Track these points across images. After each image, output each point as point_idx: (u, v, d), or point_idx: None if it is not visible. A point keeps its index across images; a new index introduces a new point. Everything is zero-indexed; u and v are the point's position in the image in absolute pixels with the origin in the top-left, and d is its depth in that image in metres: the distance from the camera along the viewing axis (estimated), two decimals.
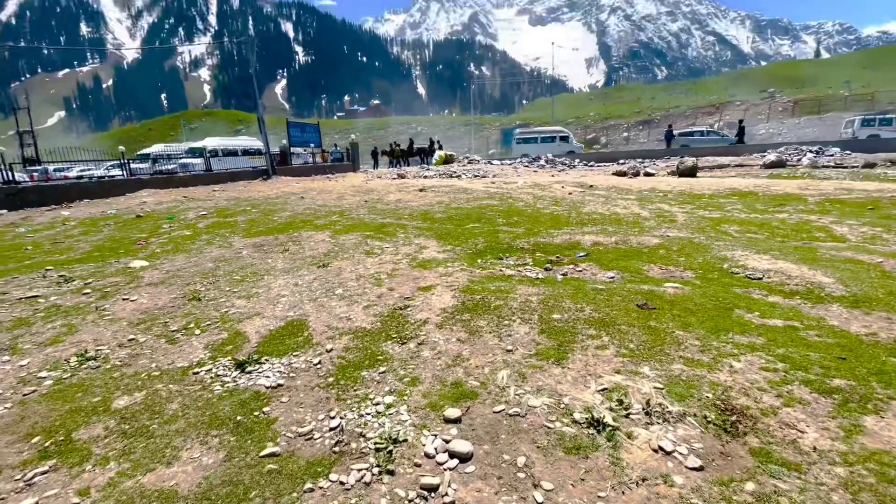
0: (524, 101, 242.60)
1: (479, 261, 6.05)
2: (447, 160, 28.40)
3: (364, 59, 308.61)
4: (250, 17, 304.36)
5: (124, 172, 19.57)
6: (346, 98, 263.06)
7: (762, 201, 10.38)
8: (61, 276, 6.29)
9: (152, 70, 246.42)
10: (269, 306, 4.69)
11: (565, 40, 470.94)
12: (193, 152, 24.68)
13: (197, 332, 4.13)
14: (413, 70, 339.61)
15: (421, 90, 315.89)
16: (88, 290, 5.47)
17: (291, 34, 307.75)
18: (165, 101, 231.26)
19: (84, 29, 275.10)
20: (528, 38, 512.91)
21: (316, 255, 6.69)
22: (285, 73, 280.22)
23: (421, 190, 13.72)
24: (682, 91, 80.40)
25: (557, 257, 6.11)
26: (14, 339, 4.13)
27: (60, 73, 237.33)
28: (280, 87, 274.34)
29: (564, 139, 33.29)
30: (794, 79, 68.49)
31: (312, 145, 27.45)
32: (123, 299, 5.10)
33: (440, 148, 31.33)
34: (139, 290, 5.39)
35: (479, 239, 7.21)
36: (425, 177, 19.84)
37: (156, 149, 27.88)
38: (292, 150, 25.96)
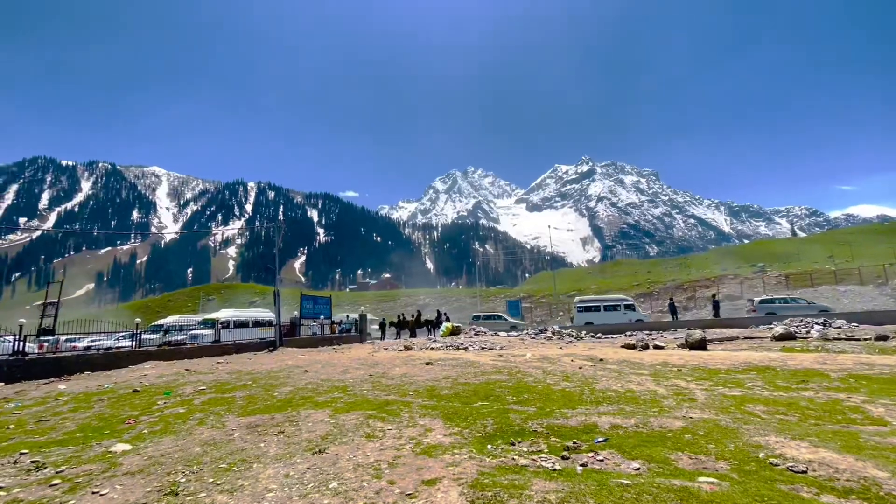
0: (526, 275, 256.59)
1: (488, 447, 5.55)
2: (454, 331, 28.61)
3: (378, 238, 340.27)
4: (282, 206, 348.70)
5: (133, 343, 19.74)
6: (360, 272, 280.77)
7: (782, 377, 9.96)
8: (34, 461, 5.79)
9: (185, 248, 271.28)
10: (254, 503, 4.15)
11: (560, 223, 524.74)
12: (206, 323, 25.27)
13: None
14: (423, 248, 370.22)
15: (430, 265, 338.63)
16: (57, 481, 4.95)
17: (315, 219, 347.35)
18: (191, 275, 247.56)
19: (135, 215, 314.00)
20: (526, 221, 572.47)
21: (313, 437, 6.21)
22: (305, 251, 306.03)
23: (427, 363, 13.48)
24: (674, 266, 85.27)
25: (575, 443, 5.61)
26: None
27: (101, 251, 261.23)
28: (299, 262, 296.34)
29: (630, 308, 31.99)
30: (777, 255, 73.08)
31: (322, 317, 28.16)
32: (93, 493, 4.57)
33: (447, 319, 31.91)
34: (113, 482, 4.87)
35: (488, 420, 6.76)
36: (432, 348, 19.70)
37: (170, 320, 28.64)
38: (303, 321, 26.55)
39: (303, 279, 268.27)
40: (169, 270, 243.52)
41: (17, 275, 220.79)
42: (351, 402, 8.44)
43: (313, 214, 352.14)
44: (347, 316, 33.61)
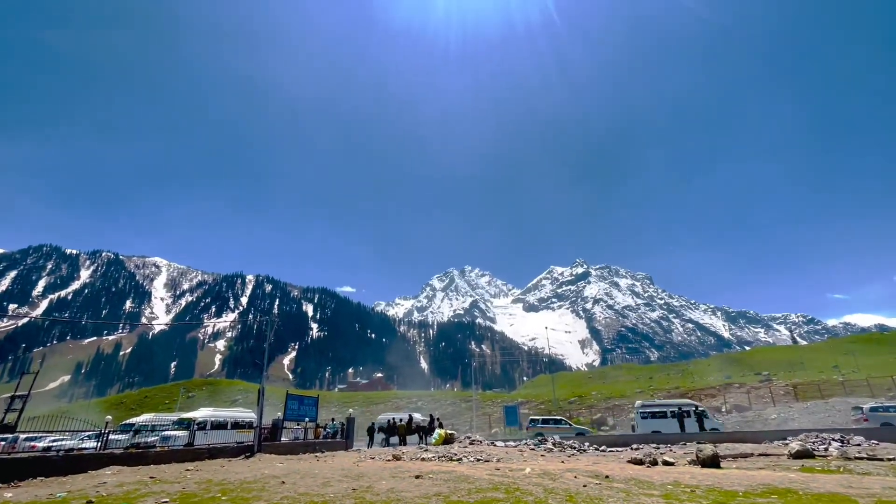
0: (524, 378, 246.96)
1: None
2: (447, 440, 26.63)
3: (373, 335, 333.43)
4: (278, 299, 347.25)
5: (98, 444, 18.15)
6: (351, 370, 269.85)
7: (806, 502, 9.05)
8: None
9: (173, 340, 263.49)
10: None
11: (558, 324, 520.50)
12: (182, 423, 23.53)
13: None
14: (417, 346, 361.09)
15: (424, 365, 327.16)
16: None
17: (310, 313, 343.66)
18: (174, 369, 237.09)
19: (128, 304, 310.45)
20: (523, 321, 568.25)
21: None
22: (297, 346, 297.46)
23: (417, 476, 12.31)
24: (676, 372, 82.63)
25: None
26: None
27: (86, 341, 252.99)
28: (289, 358, 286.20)
29: (702, 415, 28.80)
30: (780, 363, 71.35)
31: (308, 419, 26.41)
32: None
33: (440, 426, 29.92)
34: None
35: None
36: (423, 458, 18.16)
37: (143, 418, 26.71)
38: (286, 423, 24.81)
39: (290, 377, 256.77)
40: (152, 363, 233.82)
41: None
42: None
43: (308, 309, 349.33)
44: (333, 419, 31.50)
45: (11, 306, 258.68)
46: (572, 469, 14.02)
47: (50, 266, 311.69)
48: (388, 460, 17.86)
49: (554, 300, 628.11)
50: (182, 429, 22.79)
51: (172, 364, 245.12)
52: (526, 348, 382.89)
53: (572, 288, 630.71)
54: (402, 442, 28.48)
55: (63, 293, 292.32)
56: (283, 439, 24.72)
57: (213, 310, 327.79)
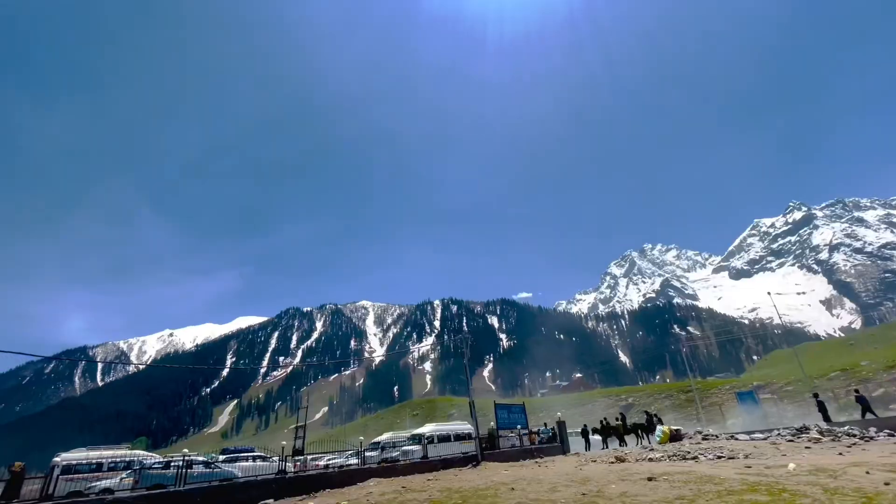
0: (755, 357, 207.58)
1: None
2: (674, 436, 23.99)
3: (561, 336, 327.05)
4: (464, 317, 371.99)
5: (358, 461, 21.98)
6: (548, 374, 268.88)
7: None
8: None
9: (391, 368, 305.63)
10: None
11: (784, 287, 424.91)
12: (414, 439, 26.81)
13: None
14: (612, 340, 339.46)
15: (624, 359, 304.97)
16: None
17: (496, 325, 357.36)
18: (397, 392, 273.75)
19: (353, 344, 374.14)
20: (733, 292, 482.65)
21: None
22: (491, 358, 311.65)
23: (649, 478, 11.36)
24: None
25: None
26: None
27: (331, 378, 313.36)
28: (487, 370, 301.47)
29: None
30: None
31: (519, 426, 27.14)
32: None
33: (660, 422, 27.20)
34: None
35: None
36: (650, 459, 16.71)
37: (385, 437, 31.37)
38: (500, 432, 25.98)
39: (492, 387, 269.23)
40: (380, 390, 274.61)
41: (279, 403, 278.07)
42: None
43: (493, 321, 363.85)
44: (545, 424, 31.63)
45: (280, 358, 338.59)
46: (859, 463, 11.01)
47: (296, 323, 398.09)
48: (612, 462, 16.98)
49: (770, 259, 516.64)
50: (416, 443, 25.97)
51: (395, 388, 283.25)
52: (746, 322, 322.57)
53: (793, 239, 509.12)
54: (622, 443, 26.79)
55: (309, 343, 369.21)
56: (501, 447, 25.90)
57: (415, 337, 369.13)
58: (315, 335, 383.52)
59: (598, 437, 28.52)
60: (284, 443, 20.02)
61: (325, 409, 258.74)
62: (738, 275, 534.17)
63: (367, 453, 24.34)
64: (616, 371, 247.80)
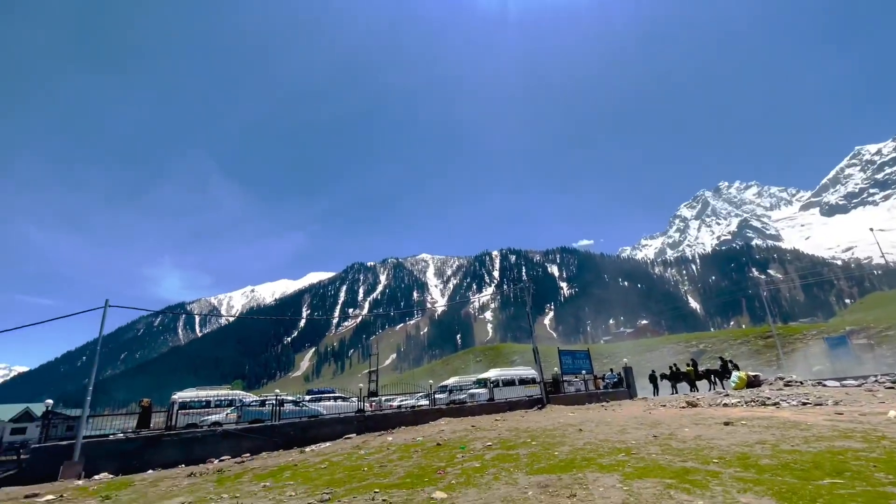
0: (846, 301, 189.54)
1: None
2: (751, 383, 22.96)
3: (625, 283, 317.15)
4: (523, 267, 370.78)
5: (429, 402, 23.42)
6: (611, 321, 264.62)
7: None
8: (384, 500, 7.26)
9: (452, 318, 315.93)
10: None
11: (887, 222, 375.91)
12: (480, 383, 27.96)
13: None
14: (681, 286, 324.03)
15: (694, 305, 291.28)
16: None
17: (556, 273, 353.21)
18: (459, 340, 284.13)
19: (415, 295, 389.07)
20: (825, 230, 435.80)
21: None
22: (552, 306, 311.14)
23: (726, 423, 11.07)
24: None
25: None
26: None
27: (397, 327, 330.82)
28: (548, 318, 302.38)
29: None
30: None
31: (584, 372, 27.27)
32: None
33: (735, 368, 26.04)
34: None
35: None
36: (725, 404, 16.21)
37: (451, 381, 33.01)
38: (564, 377, 26.29)
39: (554, 335, 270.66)
40: (444, 338, 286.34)
41: (351, 351, 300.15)
42: (641, 468, 7.55)
43: (553, 270, 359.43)
44: (611, 370, 31.53)
45: (350, 310, 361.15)
46: None
47: (362, 277, 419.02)
48: (683, 407, 16.70)
49: (873, 191, 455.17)
50: (481, 387, 27.10)
51: (458, 336, 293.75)
52: (839, 263, 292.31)
53: None
54: (693, 389, 26.16)
55: (374, 295, 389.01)
56: (565, 392, 26.34)
57: (474, 287, 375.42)
58: (380, 288, 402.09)
59: (667, 384, 28.04)
60: (361, 385, 21.75)
61: (394, 355, 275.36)
62: (830, 211, 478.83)
63: (437, 395, 25.82)
64: (685, 317, 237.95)
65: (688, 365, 27.84)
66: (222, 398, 22.64)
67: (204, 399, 21.76)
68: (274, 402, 18.77)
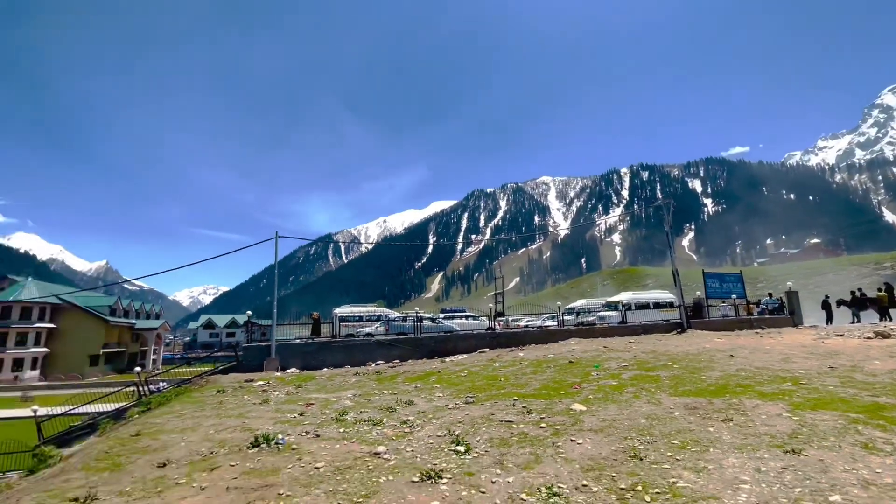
0: None
1: None
2: None
3: (791, 196, 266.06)
4: (658, 184, 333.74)
5: (557, 323, 23.71)
6: (769, 241, 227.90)
7: None
8: (524, 407, 7.77)
9: (576, 241, 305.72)
10: (728, 491, 3.87)
11: None
12: (609, 306, 27.16)
13: (647, 498, 3.85)
14: (873, 196, 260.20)
15: (890, 218, 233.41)
16: (544, 425, 6.40)
17: (699, 189, 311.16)
18: (584, 264, 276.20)
19: (536, 220, 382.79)
20: None
21: (775, 433, 5.27)
22: (692, 226, 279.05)
23: None
24: None
25: None
26: (501, 455, 5.20)
27: (519, 252, 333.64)
28: (687, 239, 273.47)
29: None
30: None
31: (734, 296, 24.49)
32: (571, 440, 5.60)
33: None
34: (583, 435, 5.81)
35: None
36: None
37: (579, 303, 32.68)
38: (709, 302, 24.00)
39: (694, 257, 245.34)
40: (567, 262, 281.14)
41: (476, 274, 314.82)
42: (815, 399, 6.70)
43: (695, 185, 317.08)
44: (769, 295, 27.72)
45: (472, 236, 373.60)
46: None
47: (482, 204, 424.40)
48: (869, 338, 14.09)
49: None
50: (611, 310, 26.33)
51: (582, 260, 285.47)
52: None
53: None
54: (884, 318, 21.72)
55: (495, 221, 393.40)
56: (709, 317, 24.16)
57: (600, 209, 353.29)
58: (500, 213, 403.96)
59: (846, 311, 23.72)
60: (491, 305, 22.88)
61: (517, 279, 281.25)
62: None
63: (565, 317, 25.92)
64: (876, 233, 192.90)
65: (880, 290, 22.94)
66: (371, 314, 26.02)
67: (357, 314, 25.28)
68: (415, 318, 20.94)
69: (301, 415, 8.16)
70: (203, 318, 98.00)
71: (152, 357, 59.41)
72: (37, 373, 45.10)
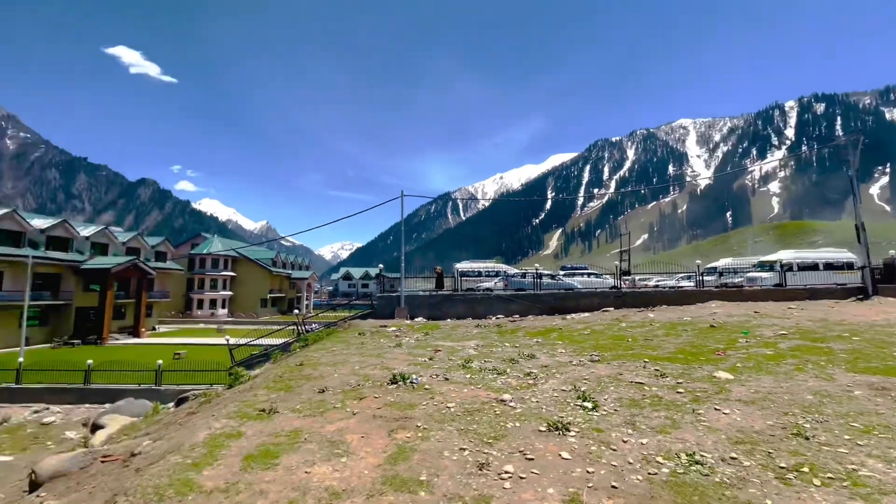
0: None
1: None
2: None
3: None
4: (838, 118, 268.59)
5: (694, 284, 21.35)
6: None
7: None
8: (656, 369, 7.28)
9: (721, 192, 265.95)
10: None
11: None
12: (763, 266, 23.46)
13: (816, 482, 3.36)
14: None
15: None
16: (681, 390, 5.93)
17: None
18: (730, 218, 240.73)
19: (671, 169, 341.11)
20: None
21: None
22: (886, 169, 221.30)
23: None
24: None
25: None
26: (632, 416, 4.99)
27: (649, 206, 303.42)
28: (878, 186, 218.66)
29: None
30: None
31: None
32: (716, 409, 5.10)
33: None
34: (729, 405, 5.25)
35: None
36: None
37: (723, 262, 28.86)
38: None
39: (887, 208, 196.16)
40: (708, 216, 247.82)
41: (598, 231, 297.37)
42: None
43: (894, 116, 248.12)
44: None
45: (595, 190, 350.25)
46: None
47: (606, 155, 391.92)
48: None
49: None
50: (765, 271, 22.72)
51: (727, 214, 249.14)
52: None
53: None
54: None
55: (621, 173, 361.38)
56: None
57: (754, 153, 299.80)
58: (627, 164, 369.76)
59: None
60: (616, 262, 21.51)
61: (645, 235, 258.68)
62: None
63: (705, 278, 23.22)
64: None
65: None
66: (490, 269, 26.55)
67: (477, 269, 26.01)
68: (534, 274, 20.77)
69: (430, 359, 8.84)
70: (342, 271, 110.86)
71: (305, 302, 69.62)
72: (225, 311, 56.31)
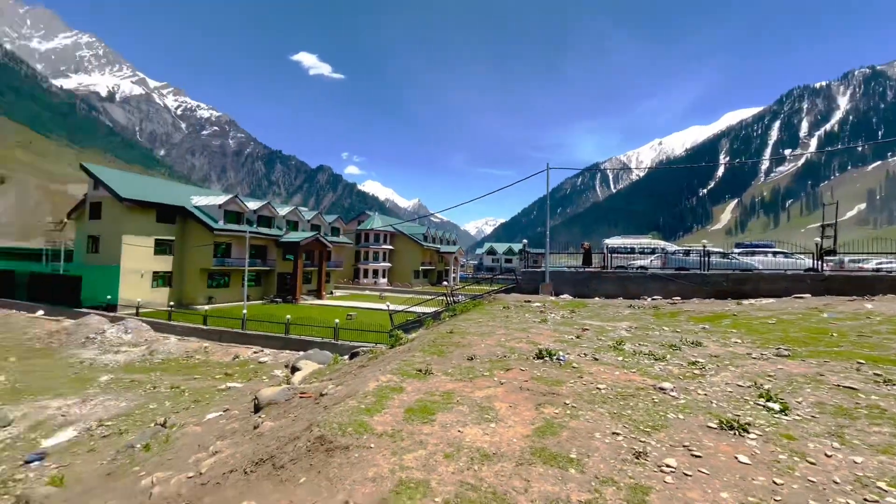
0: None
1: None
2: None
3: None
4: None
5: None
6: None
7: None
8: (876, 374, 5.77)
9: None
10: None
11: None
12: None
13: None
14: None
15: None
16: None
17: None
18: None
19: None
20: None
21: None
22: None
23: None
24: None
25: None
26: (839, 427, 4.06)
27: (870, 167, 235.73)
28: None
29: None
30: None
31: None
32: None
33: None
34: None
35: None
36: None
37: None
38: None
39: None
40: None
41: (789, 201, 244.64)
42: None
43: None
44: None
45: (787, 151, 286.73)
46: None
47: (805, 106, 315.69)
48: None
49: None
50: None
51: None
52: None
53: None
54: None
55: (826, 127, 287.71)
56: None
57: None
58: (837, 115, 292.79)
59: None
60: (816, 239, 17.44)
61: (861, 205, 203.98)
62: None
63: None
64: None
65: None
66: (644, 246, 24.22)
67: (628, 246, 23.99)
68: (701, 251, 18.21)
69: (577, 338, 8.54)
70: (486, 246, 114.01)
71: (452, 275, 73.94)
72: (385, 280, 63.34)
